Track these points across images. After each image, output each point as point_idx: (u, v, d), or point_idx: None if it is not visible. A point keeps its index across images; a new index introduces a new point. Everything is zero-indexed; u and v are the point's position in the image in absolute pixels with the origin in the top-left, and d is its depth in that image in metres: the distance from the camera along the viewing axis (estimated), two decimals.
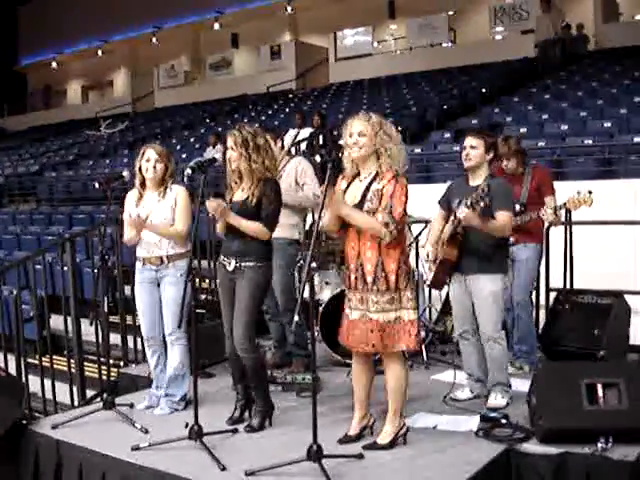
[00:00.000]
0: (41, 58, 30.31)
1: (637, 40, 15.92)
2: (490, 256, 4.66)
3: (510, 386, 4.80)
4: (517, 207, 5.32)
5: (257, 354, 4.51)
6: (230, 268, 4.43)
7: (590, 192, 5.10)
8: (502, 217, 4.55)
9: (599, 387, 4.01)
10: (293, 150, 9.61)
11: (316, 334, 5.63)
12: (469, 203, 4.39)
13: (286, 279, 5.53)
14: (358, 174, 4.03)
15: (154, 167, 4.81)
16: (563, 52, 16.16)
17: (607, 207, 6.45)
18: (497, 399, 4.71)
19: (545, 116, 12.21)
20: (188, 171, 4.34)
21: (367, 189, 3.91)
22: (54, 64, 30.33)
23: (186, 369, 4.93)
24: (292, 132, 11.93)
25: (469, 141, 4.72)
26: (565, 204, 5.24)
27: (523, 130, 11.03)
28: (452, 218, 4.70)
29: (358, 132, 3.93)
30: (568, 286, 5.94)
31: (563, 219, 5.56)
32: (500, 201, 4.55)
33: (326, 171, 3.90)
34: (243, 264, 4.39)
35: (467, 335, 4.88)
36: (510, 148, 5.45)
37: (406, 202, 3.89)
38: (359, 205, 3.91)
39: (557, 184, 5.59)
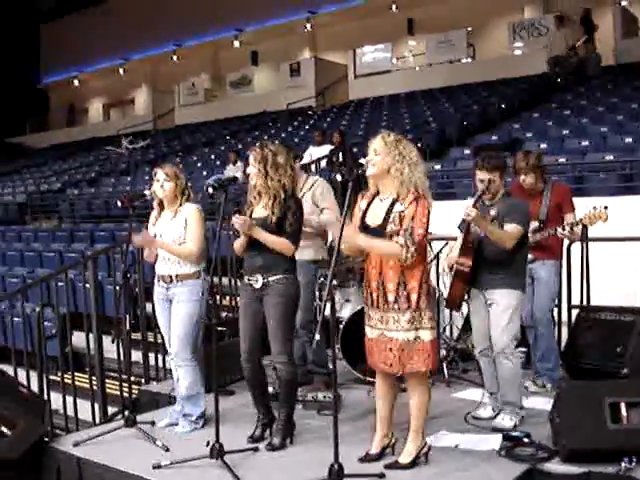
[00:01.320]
0: (63, 76, 30.63)
1: None
2: (508, 271, 4.64)
3: (522, 407, 4.74)
4: (536, 224, 5.30)
5: (295, 368, 4.55)
6: (258, 285, 4.44)
7: (606, 207, 5.10)
8: (510, 228, 4.57)
9: (623, 406, 3.98)
10: (313, 167, 9.66)
11: (337, 352, 5.62)
12: (474, 201, 4.48)
13: (305, 296, 5.52)
14: (378, 193, 4.03)
15: (162, 186, 4.88)
16: (576, 71, 16.12)
17: (629, 223, 6.42)
18: (504, 420, 4.66)
19: (565, 132, 12.17)
20: (209, 190, 4.38)
21: (390, 210, 3.90)
22: (76, 82, 30.63)
23: (199, 388, 4.93)
24: (311, 150, 11.97)
25: (485, 175, 4.68)
26: (581, 220, 5.23)
27: (543, 146, 11.00)
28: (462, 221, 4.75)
29: (373, 150, 3.95)
30: (584, 301, 5.89)
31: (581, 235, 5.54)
32: (514, 216, 4.58)
33: (347, 189, 3.92)
34: (271, 279, 4.41)
35: (487, 352, 4.84)
36: (529, 163, 5.42)
37: (427, 223, 3.89)
38: (382, 226, 3.90)
39: (578, 200, 5.57)
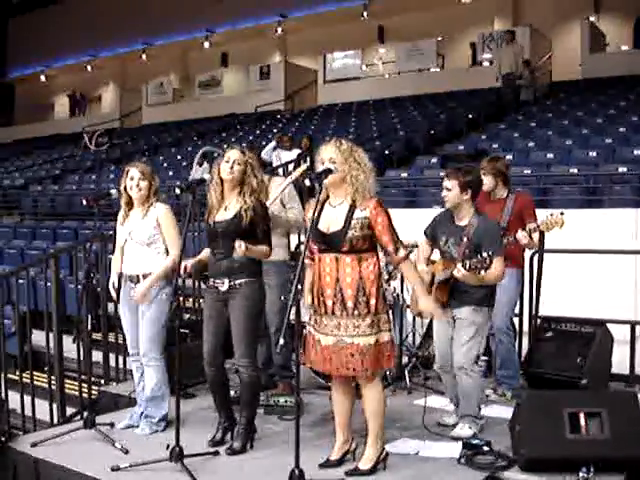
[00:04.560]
0: (30, 71, 30.25)
1: (623, 70, 16.11)
2: (476, 291, 4.63)
3: (481, 418, 4.77)
4: None
5: (258, 372, 4.53)
6: (224, 288, 4.40)
7: (562, 213, 5.16)
8: (496, 264, 4.44)
9: (582, 416, 4.03)
10: (281, 171, 9.66)
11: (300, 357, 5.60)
12: (467, 266, 4.35)
13: (279, 302, 5.49)
14: (327, 199, 4.05)
15: (137, 185, 4.79)
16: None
17: (591, 236, 6.51)
18: (463, 429, 4.68)
19: (531, 144, 12.29)
20: (177, 191, 4.34)
21: (350, 217, 3.92)
22: (42, 77, 30.27)
23: (164, 390, 4.89)
24: (280, 154, 11.97)
25: (444, 182, 4.71)
26: (538, 226, 5.29)
27: (509, 157, 11.09)
28: (440, 255, 4.74)
29: (328, 159, 3.95)
30: (537, 309, 5.96)
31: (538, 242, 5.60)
32: (492, 246, 4.43)
33: (314, 194, 3.93)
34: (237, 282, 4.38)
35: (446, 368, 4.86)
36: (494, 166, 5.52)
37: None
38: (342, 231, 3.91)
39: (542, 212, 5.62)
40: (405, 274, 4.14)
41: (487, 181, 5.50)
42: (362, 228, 3.89)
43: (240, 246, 4.16)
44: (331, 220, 3.98)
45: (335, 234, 3.93)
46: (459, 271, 4.41)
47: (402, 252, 3.96)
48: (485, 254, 4.29)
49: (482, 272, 4.36)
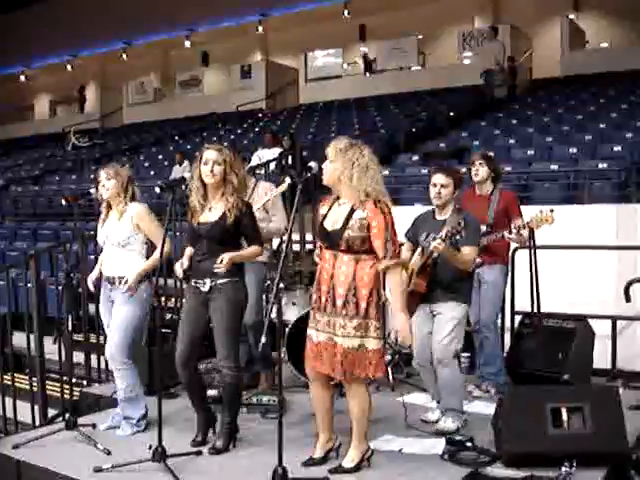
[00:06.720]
0: (9, 71, 30.01)
1: (602, 67, 16.24)
2: (456, 288, 4.73)
3: (463, 412, 4.80)
4: (483, 228, 5.37)
5: (240, 372, 4.50)
6: (205, 288, 4.37)
7: (552, 210, 5.20)
8: (468, 251, 4.65)
9: (564, 411, 4.05)
10: (262, 171, 9.62)
11: (283, 355, 5.60)
12: (444, 235, 4.47)
13: (256, 296, 5.47)
14: (338, 198, 4.04)
15: (104, 186, 4.79)
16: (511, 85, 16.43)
17: (572, 232, 6.54)
18: (447, 423, 4.71)
19: (512, 141, 12.35)
20: (157, 190, 4.32)
21: (349, 216, 3.91)
22: (22, 77, 30.05)
23: (138, 390, 4.85)
24: (260, 152, 11.93)
25: (440, 179, 4.76)
26: (528, 223, 5.32)
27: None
28: (420, 250, 4.79)
29: (328, 158, 3.96)
30: (533, 306, 5.98)
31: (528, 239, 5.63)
32: (468, 237, 4.60)
33: (295, 192, 3.92)
34: (219, 282, 4.35)
35: (423, 363, 4.88)
36: (489, 160, 5.66)
37: (395, 229, 3.93)
38: (340, 231, 3.91)
39: (523, 208, 5.65)
40: (388, 284, 3.98)
41: (482, 172, 5.57)
42: (361, 229, 3.87)
43: (222, 261, 4.19)
44: (335, 218, 3.98)
45: (335, 232, 3.94)
46: (438, 245, 4.47)
47: (387, 261, 3.87)
48: (462, 222, 4.44)
49: (457, 238, 4.47)
